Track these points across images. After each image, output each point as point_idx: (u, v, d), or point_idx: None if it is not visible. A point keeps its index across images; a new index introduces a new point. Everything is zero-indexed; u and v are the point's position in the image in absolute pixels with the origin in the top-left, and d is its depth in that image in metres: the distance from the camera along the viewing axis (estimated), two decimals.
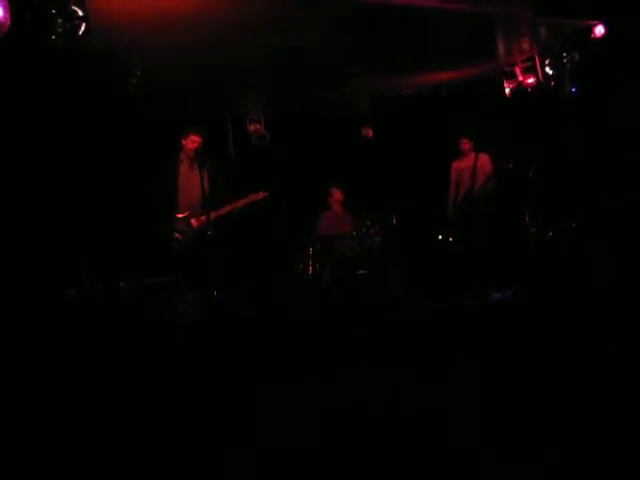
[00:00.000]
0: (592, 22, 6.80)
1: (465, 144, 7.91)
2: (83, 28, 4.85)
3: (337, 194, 8.18)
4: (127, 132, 7.40)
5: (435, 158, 8.36)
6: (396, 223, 7.85)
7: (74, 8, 4.82)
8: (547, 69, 7.37)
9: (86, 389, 4.18)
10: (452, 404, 3.44)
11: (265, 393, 3.91)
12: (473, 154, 7.79)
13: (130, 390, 4.13)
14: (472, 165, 7.69)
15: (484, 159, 7.80)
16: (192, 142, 6.41)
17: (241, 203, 6.52)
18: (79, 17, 4.84)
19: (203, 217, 6.22)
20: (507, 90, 7.74)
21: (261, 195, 6.57)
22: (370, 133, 8.78)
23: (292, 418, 3.46)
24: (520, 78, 7.67)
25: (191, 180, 6.35)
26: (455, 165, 8.09)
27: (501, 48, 7.29)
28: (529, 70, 7.58)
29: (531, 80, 7.55)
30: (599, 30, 6.78)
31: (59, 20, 4.79)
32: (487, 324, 5.35)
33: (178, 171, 6.51)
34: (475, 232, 7.50)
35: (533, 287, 6.50)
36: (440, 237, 8.01)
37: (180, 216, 6.41)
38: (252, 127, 8.27)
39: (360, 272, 7.42)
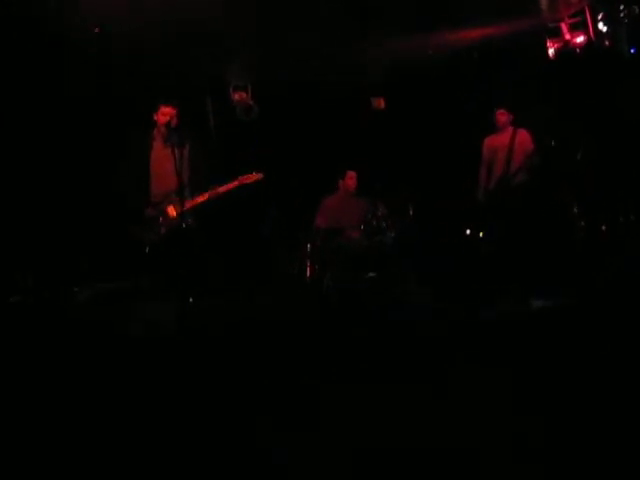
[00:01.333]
0: None
1: (502, 115, 7.50)
2: None
3: (350, 180, 8.08)
4: (87, 107, 7.40)
5: (461, 135, 8.09)
6: (413, 214, 7.69)
7: None
8: (600, 25, 7.12)
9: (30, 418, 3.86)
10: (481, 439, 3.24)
11: (247, 424, 3.61)
12: (510, 129, 7.43)
13: (83, 420, 3.80)
14: (508, 143, 7.34)
15: (523, 136, 7.40)
16: (163, 115, 6.14)
17: (228, 187, 6.37)
18: None
19: (182, 206, 6.09)
20: (551, 51, 7.42)
21: (254, 177, 6.44)
22: (382, 104, 8.78)
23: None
24: (567, 36, 7.35)
25: (165, 161, 6.10)
26: (487, 142, 7.67)
27: (544, 0, 7.08)
28: (578, 27, 7.29)
29: (580, 39, 7.26)
30: None
31: None
32: (526, 337, 5.07)
33: (150, 152, 6.33)
34: (511, 226, 7.15)
35: (583, 293, 6.15)
36: (468, 232, 7.80)
37: (154, 205, 6.23)
38: (237, 96, 8.14)
39: (369, 275, 7.29)
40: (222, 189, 6.29)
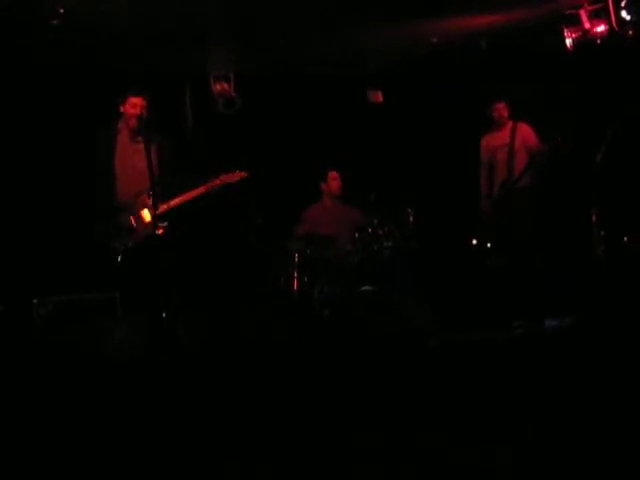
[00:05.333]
0: None
1: (503, 109, 7.58)
2: None
3: (334, 181, 8.00)
4: (45, 98, 7.37)
5: (467, 133, 8.10)
6: (413, 221, 7.58)
7: None
8: (623, 13, 6.99)
9: None
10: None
11: (224, 465, 3.61)
12: (509, 124, 7.52)
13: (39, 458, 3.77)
14: (508, 141, 7.44)
15: (524, 131, 7.49)
16: (132, 107, 6.16)
17: (208, 188, 6.29)
18: None
19: (155, 209, 6.01)
20: (568, 41, 7.29)
21: (238, 176, 6.38)
22: (380, 98, 8.76)
23: None
24: (586, 25, 7.22)
25: (133, 159, 6.16)
26: (485, 142, 7.75)
27: None
28: (599, 14, 7.15)
29: (601, 28, 7.13)
30: None
31: None
32: (538, 361, 5.18)
33: (114, 147, 6.32)
34: (520, 236, 7.30)
35: (602, 312, 6.11)
36: (474, 242, 7.87)
37: (123, 208, 6.21)
38: (218, 87, 8.10)
39: (364, 288, 7.25)
40: (200, 190, 6.23)
